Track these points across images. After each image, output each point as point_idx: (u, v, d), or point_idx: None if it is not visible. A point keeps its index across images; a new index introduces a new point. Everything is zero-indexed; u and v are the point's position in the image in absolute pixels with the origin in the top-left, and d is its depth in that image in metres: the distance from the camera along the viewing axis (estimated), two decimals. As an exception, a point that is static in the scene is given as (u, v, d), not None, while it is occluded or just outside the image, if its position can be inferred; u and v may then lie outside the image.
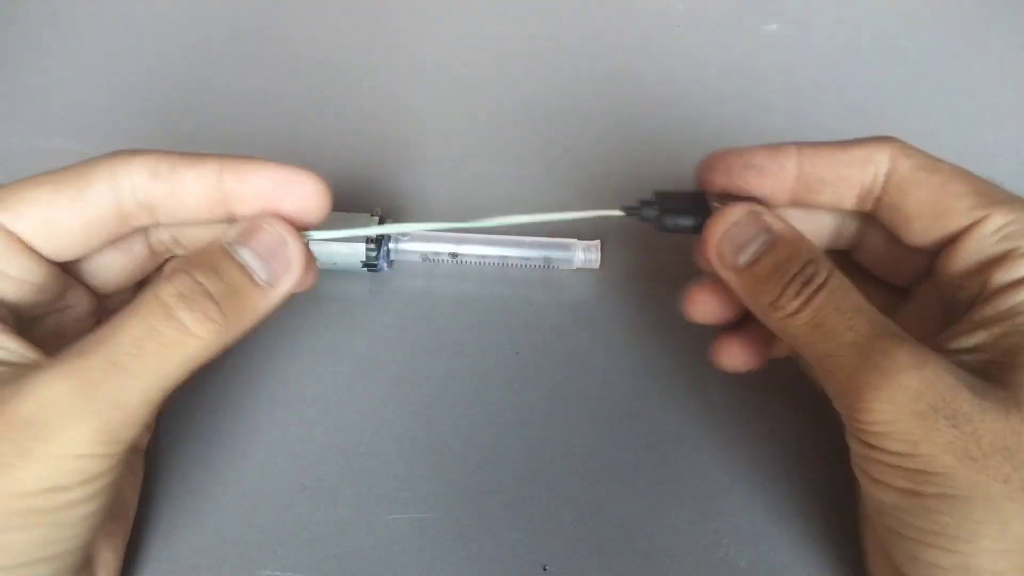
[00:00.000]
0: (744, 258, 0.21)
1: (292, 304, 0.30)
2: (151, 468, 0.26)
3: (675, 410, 0.28)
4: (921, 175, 0.21)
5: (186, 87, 0.36)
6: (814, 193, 0.22)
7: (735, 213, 0.21)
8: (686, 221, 0.23)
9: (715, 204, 0.22)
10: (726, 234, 0.21)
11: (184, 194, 0.21)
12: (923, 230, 0.21)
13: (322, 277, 0.30)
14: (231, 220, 0.22)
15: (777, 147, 0.22)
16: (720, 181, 0.22)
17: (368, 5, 0.39)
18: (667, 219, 0.23)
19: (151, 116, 0.35)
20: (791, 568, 0.25)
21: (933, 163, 0.21)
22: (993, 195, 0.20)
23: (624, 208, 0.24)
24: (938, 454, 0.17)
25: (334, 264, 0.30)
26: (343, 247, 0.29)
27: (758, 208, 0.21)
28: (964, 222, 0.20)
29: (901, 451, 0.18)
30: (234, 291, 0.20)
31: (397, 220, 0.31)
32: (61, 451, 0.18)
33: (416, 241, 0.30)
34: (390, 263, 0.30)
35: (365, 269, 0.30)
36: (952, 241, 0.21)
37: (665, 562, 0.25)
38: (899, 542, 0.19)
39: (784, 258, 0.20)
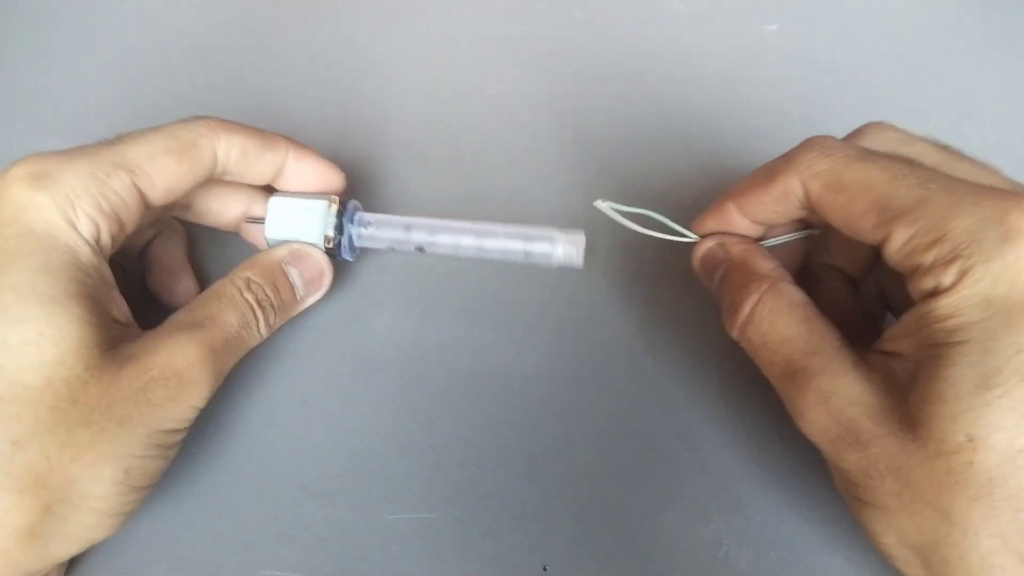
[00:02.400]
0: (715, 281, 0.25)
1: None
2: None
3: (675, 410, 0.28)
4: (828, 197, 0.21)
5: (187, 86, 0.36)
6: (768, 225, 0.25)
7: (704, 245, 0.25)
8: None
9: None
10: (702, 261, 0.25)
11: (257, 169, 0.26)
12: (854, 238, 0.21)
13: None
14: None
15: (719, 208, 0.25)
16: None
17: (371, 4, 0.39)
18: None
19: (151, 115, 0.35)
20: (791, 568, 0.25)
21: (838, 179, 0.21)
22: (895, 205, 0.19)
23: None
24: (850, 470, 0.20)
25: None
26: (303, 235, 0.27)
27: (725, 240, 0.25)
28: (874, 239, 0.20)
29: (829, 461, 0.21)
30: (284, 303, 0.27)
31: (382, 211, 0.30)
32: (193, 402, 0.22)
33: (383, 228, 0.29)
34: (354, 251, 0.29)
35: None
36: (879, 248, 0.21)
37: (665, 562, 0.25)
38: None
39: (733, 284, 0.24)
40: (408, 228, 0.28)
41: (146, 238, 0.28)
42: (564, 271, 0.31)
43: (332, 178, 0.28)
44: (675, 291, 0.30)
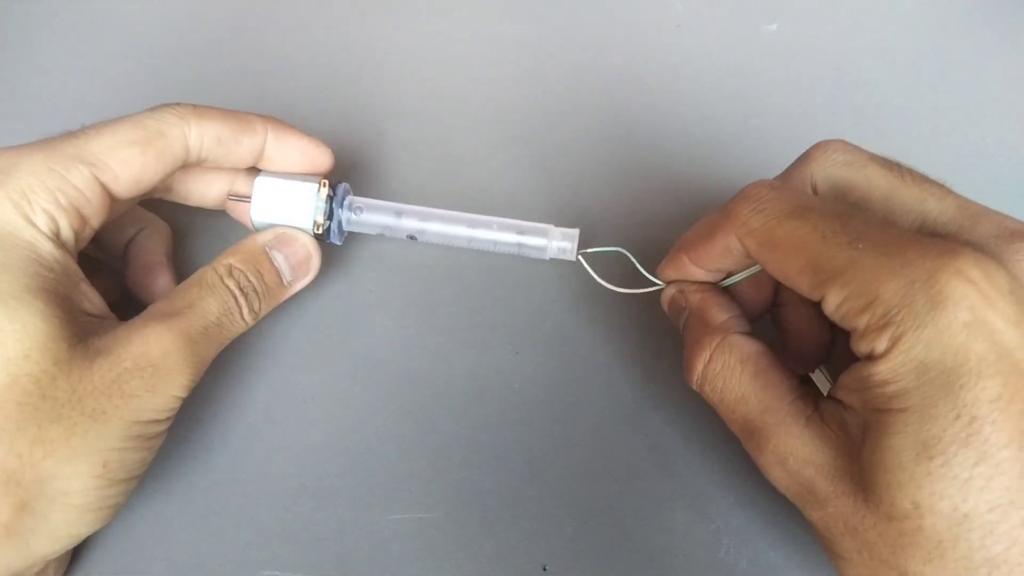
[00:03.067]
0: (680, 325, 0.25)
1: (292, 302, 0.30)
2: (152, 468, 0.26)
3: (675, 410, 0.28)
4: (764, 255, 0.21)
5: (188, 84, 0.36)
6: (723, 272, 0.24)
7: (668, 292, 0.26)
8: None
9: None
10: (668, 308, 0.26)
11: (235, 155, 0.25)
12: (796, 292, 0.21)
13: (322, 279, 0.31)
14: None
15: (675, 259, 0.25)
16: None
17: (372, 2, 0.39)
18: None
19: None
20: (791, 568, 0.25)
21: (770, 238, 0.20)
22: (827, 267, 0.19)
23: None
24: (815, 524, 0.20)
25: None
26: (291, 219, 0.27)
27: (685, 287, 0.25)
28: (812, 298, 0.20)
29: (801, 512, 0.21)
30: (269, 289, 0.26)
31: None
32: (172, 392, 0.22)
33: (374, 213, 0.28)
34: (342, 235, 0.29)
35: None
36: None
37: (665, 562, 0.25)
38: None
39: (690, 336, 0.24)
40: (399, 214, 0.28)
41: (128, 236, 0.28)
42: (564, 271, 0.31)
43: (318, 156, 0.27)
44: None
